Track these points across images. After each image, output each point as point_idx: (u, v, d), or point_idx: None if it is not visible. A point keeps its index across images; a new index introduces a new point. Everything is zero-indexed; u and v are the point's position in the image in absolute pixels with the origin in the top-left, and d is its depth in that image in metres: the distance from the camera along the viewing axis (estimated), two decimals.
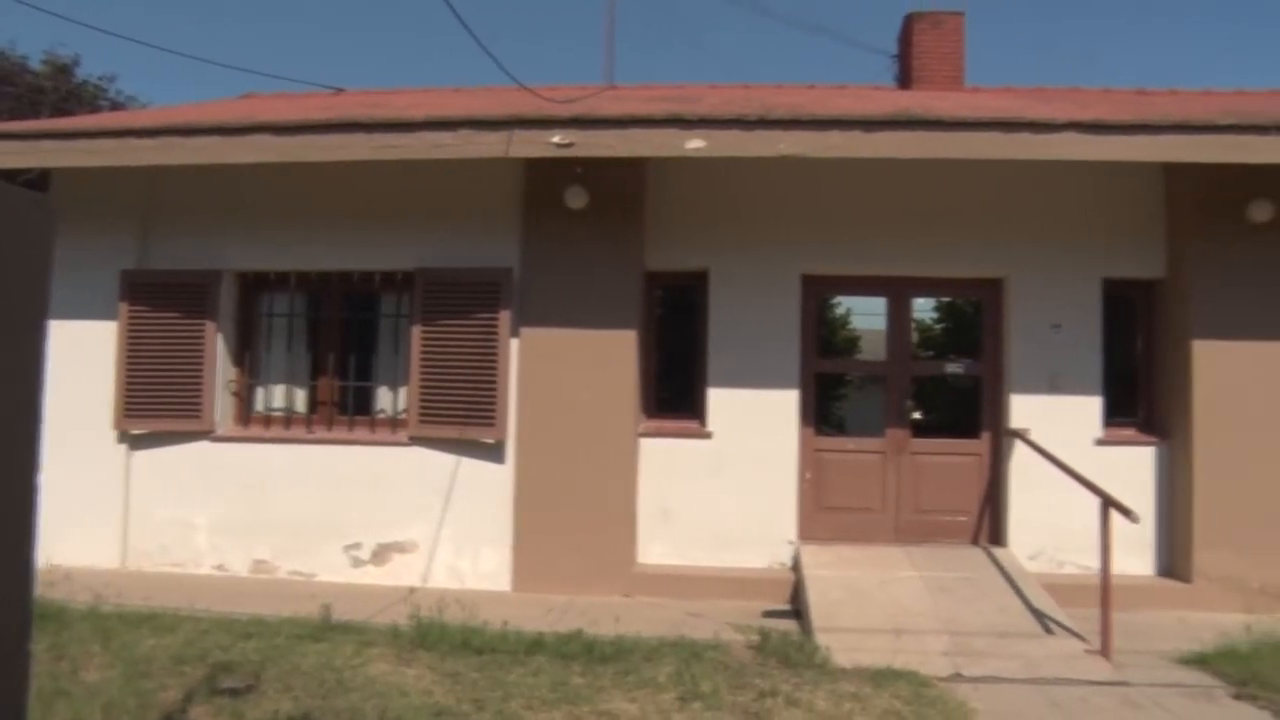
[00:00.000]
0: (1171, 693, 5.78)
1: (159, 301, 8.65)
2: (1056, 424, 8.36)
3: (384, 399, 8.91)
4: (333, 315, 8.99)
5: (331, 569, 8.42)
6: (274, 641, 5.98)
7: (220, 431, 8.70)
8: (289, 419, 8.89)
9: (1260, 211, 7.99)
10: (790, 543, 8.46)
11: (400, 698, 5.10)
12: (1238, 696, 5.72)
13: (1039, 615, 7.02)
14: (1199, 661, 6.32)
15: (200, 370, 8.60)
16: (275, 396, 8.99)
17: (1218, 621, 7.21)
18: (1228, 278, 8.18)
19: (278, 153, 7.83)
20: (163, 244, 8.82)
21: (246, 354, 8.96)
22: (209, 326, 8.65)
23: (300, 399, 9.01)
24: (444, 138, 7.70)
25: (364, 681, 5.34)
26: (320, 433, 8.76)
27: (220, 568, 8.55)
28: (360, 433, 8.73)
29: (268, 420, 8.91)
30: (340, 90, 11.80)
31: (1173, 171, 8.32)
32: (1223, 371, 8.15)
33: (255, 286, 9.04)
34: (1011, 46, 58.43)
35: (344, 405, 8.87)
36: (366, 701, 5.02)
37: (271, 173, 8.33)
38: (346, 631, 6.32)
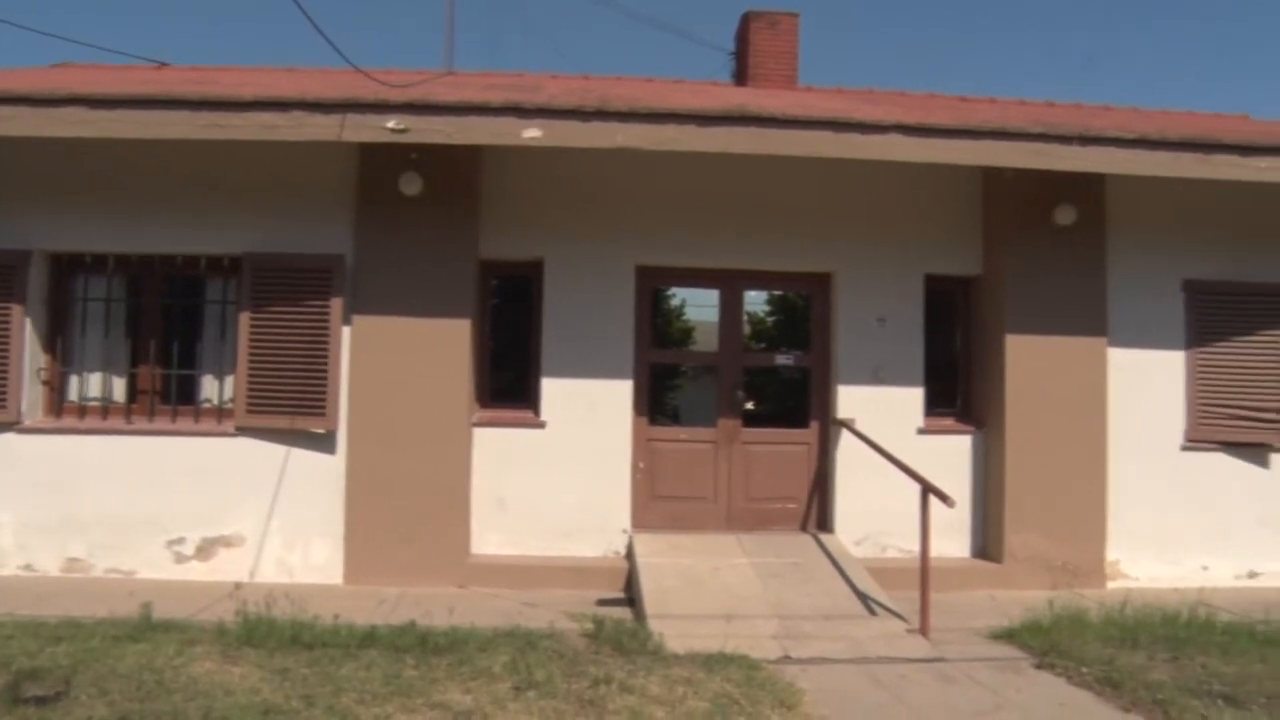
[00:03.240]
0: (982, 666, 6.17)
1: None
2: (881, 414, 8.73)
3: (209, 388, 8.59)
4: (155, 300, 8.60)
5: (153, 566, 8.08)
6: (88, 644, 5.69)
7: (28, 423, 8.22)
8: (106, 409, 8.47)
9: (1064, 215, 8.56)
10: (624, 531, 8.58)
11: (225, 697, 4.96)
12: (1039, 666, 6.18)
13: (863, 598, 7.33)
14: (1007, 636, 6.77)
15: (5, 358, 8.10)
16: (91, 385, 8.55)
17: (1025, 598, 7.71)
18: (1037, 276, 8.72)
19: (94, 128, 7.40)
20: None
21: (59, 340, 8.47)
22: (15, 310, 8.15)
23: (119, 388, 8.59)
24: (275, 119, 7.44)
25: (187, 682, 5.16)
26: (140, 423, 8.38)
27: (28, 568, 8.09)
28: (184, 423, 8.40)
29: (83, 410, 8.47)
30: (164, 65, 11.27)
31: (990, 175, 8.79)
32: (1032, 364, 8.68)
33: (69, 268, 8.55)
34: (845, 49, 60.26)
35: (166, 394, 8.50)
36: (189, 702, 4.86)
37: (88, 148, 7.88)
38: (168, 630, 6.08)
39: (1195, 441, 8.93)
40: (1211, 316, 8.95)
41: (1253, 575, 8.86)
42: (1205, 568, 8.79)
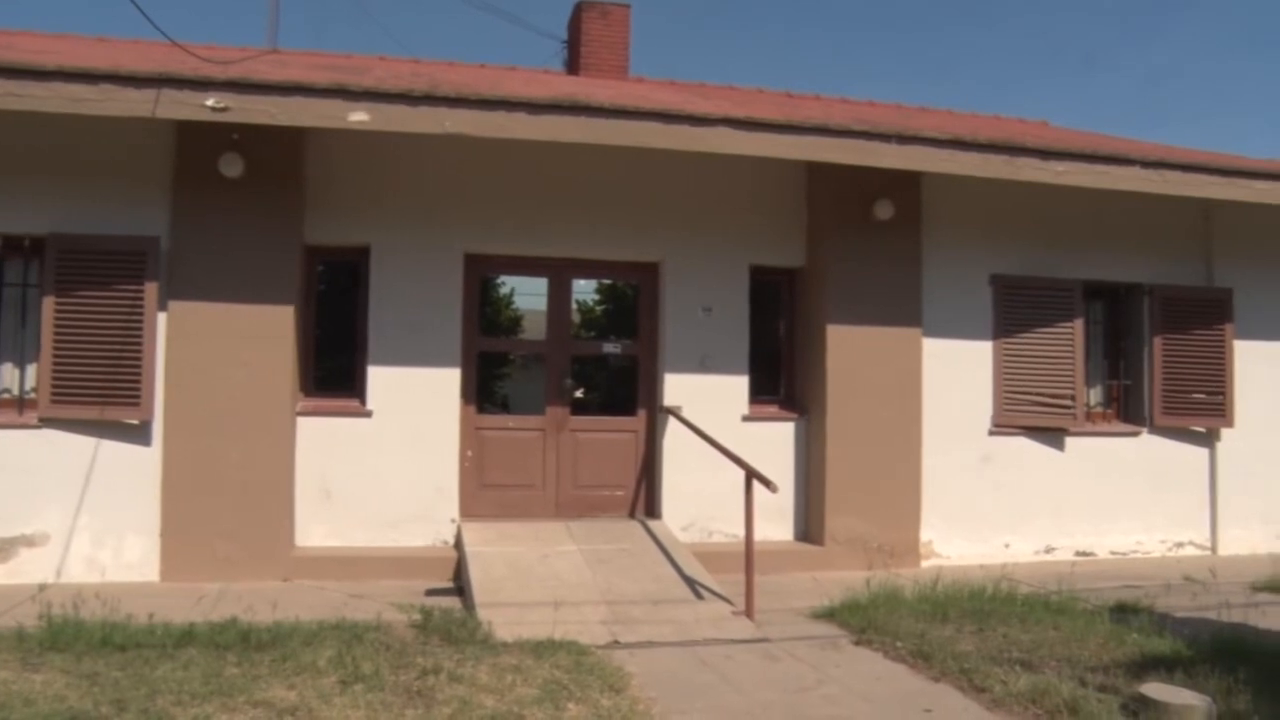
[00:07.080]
0: (804, 644, 6.41)
1: None
2: (707, 402, 8.91)
3: (9, 377, 8.05)
4: None
5: None
6: None
7: None
8: None
9: (883, 210, 8.93)
10: (453, 521, 8.52)
11: (25, 707, 4.65)
12: (858, 643, 6.46)
13: (690, 582, 7.49)
14: (828, 615, 7.05)
15: None
16: None
17: (845, 579, 8.02)
18: (857, 268, 9.07)
19: None
20: None
21: None
22: None
23: None
24: (81, 91, 7.01)
25: None
26: None
27: None
28: None
29: None
30: None
31: (813, 169, 9.09)
32: (851, 353, 9.03)
33: None
34: (676, 41, 60.91)
35: None
36: None
37: None
38: None
39: (1001, 427, 9.48)
40: (1015, 309, 9.52)
41: (1049, 550, 9.49)
42: (1007, 545, 9.36)
